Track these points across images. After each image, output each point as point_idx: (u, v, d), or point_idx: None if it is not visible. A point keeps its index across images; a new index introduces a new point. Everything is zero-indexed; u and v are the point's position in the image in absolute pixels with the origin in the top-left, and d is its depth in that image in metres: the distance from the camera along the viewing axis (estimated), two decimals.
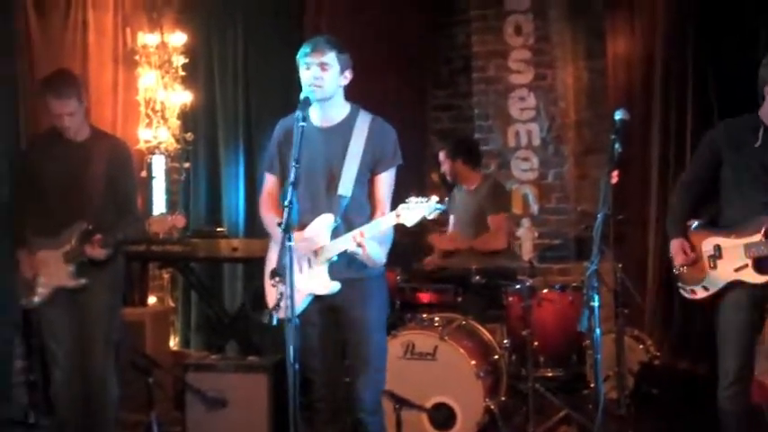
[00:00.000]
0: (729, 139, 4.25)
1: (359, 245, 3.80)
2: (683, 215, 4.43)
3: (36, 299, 4.77)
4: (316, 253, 3.92)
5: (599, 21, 7.27)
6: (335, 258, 3.91)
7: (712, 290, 4.26)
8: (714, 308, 4.28)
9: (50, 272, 4.74)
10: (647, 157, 6.71)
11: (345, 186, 3.94)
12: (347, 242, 3.84)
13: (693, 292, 4.36)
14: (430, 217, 3.71)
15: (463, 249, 6.13)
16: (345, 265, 3.94)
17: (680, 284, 4.44)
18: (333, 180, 3.96)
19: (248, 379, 5.41)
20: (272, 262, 4.00)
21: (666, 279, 6.50)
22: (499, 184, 6.44)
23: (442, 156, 6.39)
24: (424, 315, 5.67)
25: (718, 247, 4.25)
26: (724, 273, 4.21)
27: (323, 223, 3.93)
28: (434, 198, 3.70)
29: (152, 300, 6.98)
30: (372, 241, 3.83)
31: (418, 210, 3.70)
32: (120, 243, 4.76)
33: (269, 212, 4.14)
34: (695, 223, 4.37)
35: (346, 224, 3.93)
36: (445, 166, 6.36)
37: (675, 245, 4.39)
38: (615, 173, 3.85)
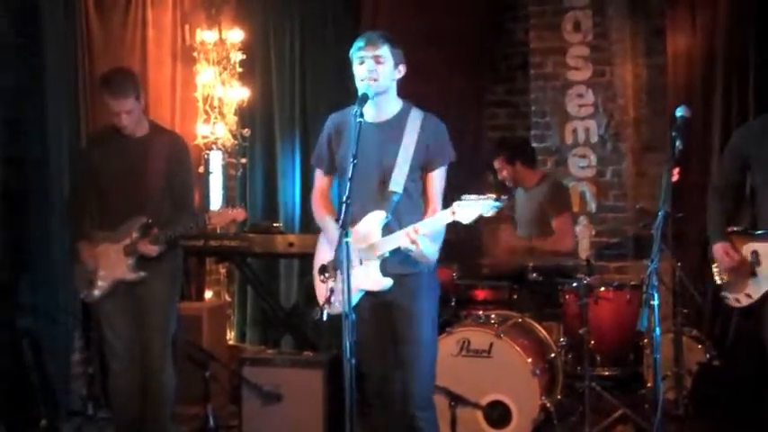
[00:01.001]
0: (755, 141, 4.19)
1: (413, 241, 3.78)
2: (720, 220, 4.37)
3: (96, 292, 4.83)
4: (367, 249, 3.92)
5: (659, 17, 7.18)
6: (387, 255, 3.90)
7: (755, 297, 4.19)
8: (759, 316, 4.22)
9: (110, 265, 4.80)
10: (707, 154, 6.61)
11: (397, 183, 3.93)
12: (400, 239, 3.83)
13: (737, 300, 4.32)
14: (487, 215, 3.67)
15: (528, 248, 6.07)
16: (397, 262, 3.93)
17: (724, 294, 4.39)
18: (384, 176, 3.95)
19: (304, 374, 5.43)
20: (320, 258, 4.02)
21: None
22: (559, 184, 6.40)
23: (498, 163, 6.31)
24: (480, 312, 5.64)
25: (755, 254, 4.19)
26: (764, 279, 4.15)
27: (374, 220, 3.93)
28: (492, 196, 3.66)
29: (209, 294, 7.04)
30: (425, 238, 3.81)
31: (475, 207, 3.67)
32: (174, 240, 4.80)
33: (320, 209, 4.15)
34: (733, 230, 4.32)
35: (397, 221, 3.92)
36: (504, 173, 6.27)
37: (719, 249, 4.34)
38: (676, 170, 3.81)
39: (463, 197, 3.70)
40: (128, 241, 4.75)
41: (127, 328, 4.83)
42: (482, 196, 3.67)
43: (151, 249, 4.70)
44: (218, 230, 6.05)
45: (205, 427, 5.48)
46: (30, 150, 5.66)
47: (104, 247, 4.81)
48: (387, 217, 3.90)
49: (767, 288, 4.13)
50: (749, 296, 4.23)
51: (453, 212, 3.72)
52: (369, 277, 3.92)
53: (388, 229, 3.91)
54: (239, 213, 4.83)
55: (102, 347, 5.14)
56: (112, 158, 4.81)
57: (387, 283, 3.91)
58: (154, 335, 4.81)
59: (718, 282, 4.36)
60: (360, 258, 3.91)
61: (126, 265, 4.77)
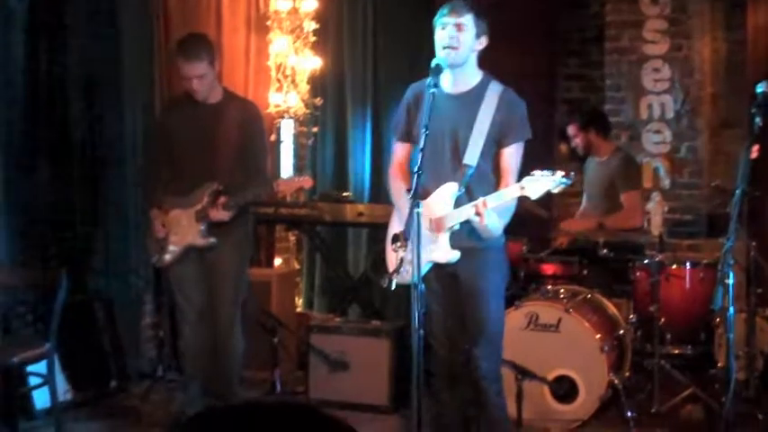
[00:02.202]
0: None
1: (478, 213, 3.75)
2: None
3: (167, 257, 4.89)
4: (438, 221, 3.91)
5: None
6: (457, 227, 3.89)
7: None
8: None
9: (182, 230, 4.84)
10: None
11: (471, 156, 3.90)
12: (468, 211, 3.81)
13: None
14: (555, 191, 3.63)
15: (596, 227, 6.01)
16: (466, 235, 3.90)
17: None
18: (458, 149, 3.92)
19: (370, 343, 5.47)
20: (394, 227, 4.02)
21: None
22: (632, 159, 6.31)
23: (572, 129, 6.28)
24: (549, 287, 5.61)
25: None
26: None
27: (447, 192, 3.91)
28: (560, 173, 3.61)
29: (278, 261, 7.09)
30: (492, 212, 3.78)
31: (543, 183, 3.63)
32: (245, 205, 4.83)
33: (396, 180, 4.14)
34: None
35: (469, 194, 3.89)
36: (577, 139, 6.25)
37: None
38: (755, 147, 3.73)
39: (533, 172, 3.67)
40: (199, 207, 4.79)
41: (197, 293, 4.89)
42: (551, 172, 3.63)
43: (222, 215, 4.74)
44: (288, 198, 6.07)
45: (272, 392, 5.57)
46: (105, 116, 5.75)
47: (176, 212, 4.86)
48: (459, 190, 3.88)
49: None
50: None
51: (522, 188, 3.68)
52: (438, 249, 3.91)
53: (459, 203, 3.88)
54: (306, 181, 4.85)
55: (173, 311, 5.21)
56: (186, 125, 4.85)
57: (454, 255, 3.90)
58: (223, 300, 4.85)
59: None
60: (430, 230, 3.90)
61: (197, 230, 4.81)
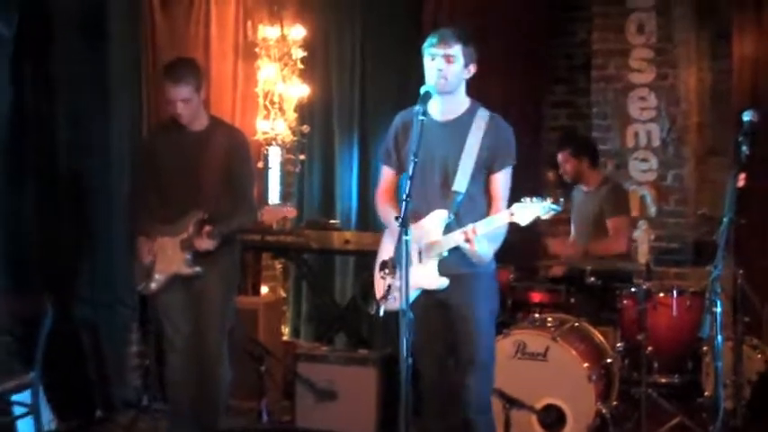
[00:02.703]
0: None
1: (467, 240, 3.76)
2: None
3: (153, 285, 4.86)
4: (427, 247, 3.90)
5: (725, 20, 7.06)
6: (446, 254, 3.88)
7: None
8: None
9: (168, 259, 4.82)
10: None
11: (460, 183, 3.91)
12: (458, 237, 3.82)
13: None
14: (544, 217, 3.67)
15: (580, 254, 6.01)
16: (455, 261, 3.91)
17: None
18: (448, 175, 3.94)
19: (358, 371, 5.46)
20: (382, 254, 4.01)
21: None
22: (620, 187, 6.33)
23: (563, 156, 6.27)
24: (537, 315, 5.61)
25: None
26: None
27: (436, 218, 3.91)
28: (549, 199, 3.66)
29: (265, 289, 7.07)
30: (482, 238, 3.79)
31: (533, 209, 3.66)
32: (229, 235, 4.80)
33: (385, 205, 4.14)
34: None
35: (458, 220, 3.90)
36: (568, 166, 6.24)
37: None
38: (742, 176, 3.74)
39: (522, 199, 3.69)
40: (185, 236, 4.77)
41: (184, 322, 4.86)
42: (540, 198, 3.65)
43: (207, 244, 4.72)
44: (274, 226, 6.06)
45: (259, 422, 5.53)
46: (92, 144, 5.73)
47: (162, 240, 4.83)
48: (449, 217, 3.88)
49: None
50: None
51: (512, 214, 3.71)
52: (425, 275, 3.91)
53: (449, 229, 3.89)
54: (290, 211, 4.83)
55: (159, 339, 5.18)
56: (171, 151, 4.83)
57: (443, 282, 3.90)
58: (210, 329, 4.82)
59: None
60: (419, 256, 3.90)
61: (182, 259, 4.79)
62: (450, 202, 3.91)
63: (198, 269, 4.78)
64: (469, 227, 3.78)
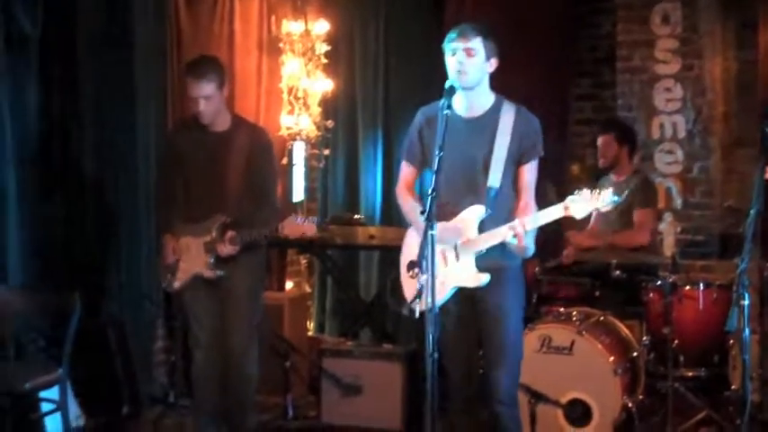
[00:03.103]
0: None
1: (516, 235, 3.74)
2: None
3: (177, 283, 4.88)
4: (464, 244, 3.89)
5: (751, 10, 7.00)
6: (485, 251, 3.87)
7: None
8: None
9: (191, 258, 4.83)
10: None
11: (494, 178, 3.90)
12: (503, 233, 3.79)
13: None
14: (604, 210, 3.65)
15: (602, 246, 5.99)
16: (486, 255, 3.90)
17: None
18: (478, 172, 3.92)
19: (383, 366, 5.46)
20: (408, 253, 4.00)
21: None
22: (650, 181, 6.27)
23: (606, 139, 6.17)
24: (562, 309, 5.58)
25: None
26: None
27: (473, 214, 3.89)
28: (609, 191, 3.63)
29: (290, 285, 7.09)
30: (530, 234, 3.79)
31: (591, 202, 3.64)
32: (250, 243, 4.78)
33: (407, 199, 4.13)
34: None
35: (492, 216, 3.88)
36: (610, 151, 6.15)
37: None
38: None
39: (578, 191, 3.68)
40: (208, 239, 4.77)
41: (210, 318, 4.87)
42: (597, 191, 3.64)
43: (229, 250, 4.71)
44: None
45: (284, 417, 5.55)
46: (118, 142, 5.76)
47: (186, 239, 4.85)
48: (487, 212, 3.87)
49: None
50: None
51: (566, 207, 3.69)
52: (464, 273, 3.89)
53: (483, 225, 3.88)
54: (310, 228, 4.76)
55: (186, 336, 5.20)
56: (194, 151, 4.82)
57: (485, 278, 3.87)
58: (236, 326, 4.82)
59: None
60: (456, 254, 3.89)
61: (205, 262, 4.80)
62: (483, 197, 3.89)
63: (220, 272, 4.78)
64: (517, 222, 3.76)
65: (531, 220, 3.76)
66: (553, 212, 3.74)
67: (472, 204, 3.89)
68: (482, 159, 3.91)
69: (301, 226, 4.71)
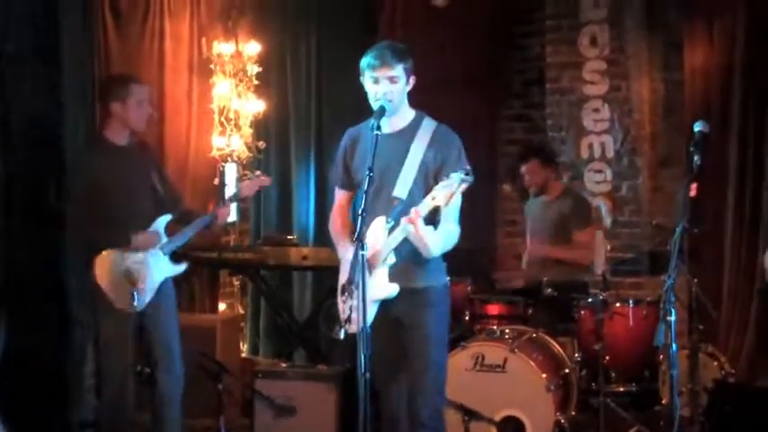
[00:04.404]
0: None
1: (410, 221, 3.72)
2: None
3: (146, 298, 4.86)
4: (373, 256, 3.88)
5: (676, 32, 7.14)
6: (393, 259, 3.86)
7: None
8: None
9: (150, 270, 4.84)
10: (723, 169, 6.59)
11: (401, 189, 3.91)
12: (401, 230, 3.79)
13: None
14: (459, 191, 3.64)
15: (554, 256, 6.05)
16: (404, 272, 3.89)
17: None
18: (391, 183, 3.94)
19: (317, 387, 5.43)
20: (342, 278, 4.00)
21: (743, 294, 6.40)
22: (583, 198, 6.37)
23: (531, 167, 6.28)
24: (494, 327, 5.62)
25: None
26: None
27: (378, 226, 3.90)
28: (459, 172, 3.64)
29: (222, 306, 7.03)
30: (426, 227, 3.77)
31: (448, 186, 3.64)
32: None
33: (336, 228, 4.15)
34: None
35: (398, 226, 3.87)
36: (537, 177, 6.24)
37: None
38: (694, 185, 3.78)
39: (441, 179, 3.72)
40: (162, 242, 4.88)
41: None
42: (454, 173, 3.65)
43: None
44: (231, 241, 6.04)
45: None
46: (45, 161, 5.65)
47: (138, 256, 4.83)
48: (388, 222, 3.86)
49: None
50: None
51: (433, 198, 3.69)
52: (377, 285, 3.88)
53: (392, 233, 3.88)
54: (264, 180, 5.08)
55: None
56: (110, 168, 4.85)
57: (393, 289, 3.88)
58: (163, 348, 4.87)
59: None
60: (370, 268, 3.88)
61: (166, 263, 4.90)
62: (391, 208, 3.89)
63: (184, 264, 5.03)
64: (412, 210, 3.75)
65: (422, 207, 3.73)
66: (426, 204, 3.73)
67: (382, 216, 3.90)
68: (394, 171, 3.93)
69: (255, 181, 4.83)
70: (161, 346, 4.93)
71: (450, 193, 3.64)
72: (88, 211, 4.92)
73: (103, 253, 4.82)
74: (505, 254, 6.62)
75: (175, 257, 4.99)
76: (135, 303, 4.76)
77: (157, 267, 4.88)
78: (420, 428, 3.93)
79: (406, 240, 3.82)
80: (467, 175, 3.62)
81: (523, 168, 6.31)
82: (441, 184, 3.68)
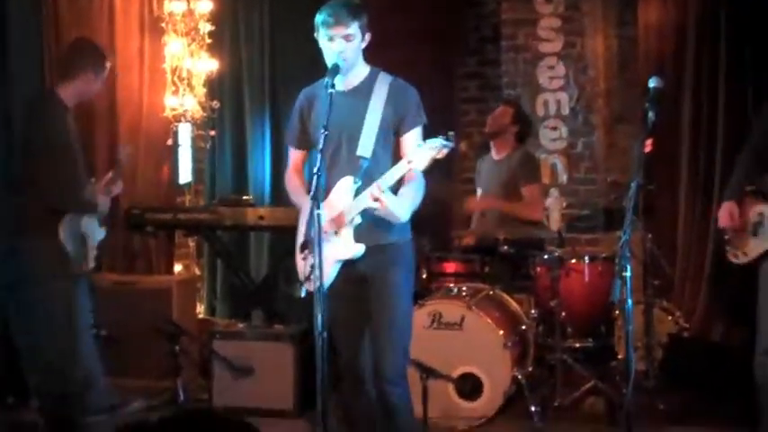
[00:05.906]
0: None
1: (376, 199, 3.71)
2: (739, 178, 4.44)
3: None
4: (338, 216, 3.86)
5: None
6: (359, 220, 3.84)
7: (751, 256, 4.28)
8: (756, 276, 4.29)
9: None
10: (677, 125, 6.64)
11: (365, 148, 3.87)
12: (365, 199, 3.77)
13: (735, 256, 4.46)
14: (439, 156, 3.60)
15: (498, 209, 6.04)
16: (370, 231, 3.87)
17: (727, 248, 4.51)
18: (353, 142, 3.90)
19: (274, 347, 5.44)
20: (301, 234, 3.97)
21: (697, 249, 6.47)
22: (531, 155, 6.35)
23: (503, 111, 6.23)
24: (451, 285, 5.64)
25: (761, 215, 4.23)
26: (764, 241, 4.21)
27: (344, 186, 3.87)
28: (440, 137, 3.58)
29: (178, 268, 6.98)
30: (390, 194, 3.75)
31: (427, 151, 3.60)
32: None
33: (294, 186, 4.10)
34: (749, 188, 4.37)
35: (367, 186, 3.82)
36: (500, 120, 6.17)
37: (724, 207, 4.42)
38: (649, 141, 3.79)
39: (418, 144, 3.66)
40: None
41: None
42: (433, 139, 3.61)
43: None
44: (187, 203, 5.96)
45: (175, 401, 5.45)
46: None
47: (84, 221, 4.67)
48: (356, 182, 3.84)
49: (763, 250, 4.23)
50: (746, 254, 4.35)
51: (410, 161, 3.65)
52: (342, 245, 3.87)
53: (358, 196, 3.85)
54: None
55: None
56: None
57: (359, 249, 3.86)
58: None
59: (726, 237, 4.52)
60: (333, 227, 3.87)
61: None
62: (356, 168, 3.85)
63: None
64: (373, 185, 3.73)
65: (383, 181, 3.72)
66: (399, 168, 3.71)
67: (348, 176, 3.87)
68: (355, 130, 3.89)
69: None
70: None
71: (429, 157, 3.61)
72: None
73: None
74: (462, 212, 6.60)
75: None
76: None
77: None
78: (387, 385, 3.91)
79: None
80: (447, 140, 3.58)
81: (498, 110, 6.28)
82: (418, 147, 3.64)
